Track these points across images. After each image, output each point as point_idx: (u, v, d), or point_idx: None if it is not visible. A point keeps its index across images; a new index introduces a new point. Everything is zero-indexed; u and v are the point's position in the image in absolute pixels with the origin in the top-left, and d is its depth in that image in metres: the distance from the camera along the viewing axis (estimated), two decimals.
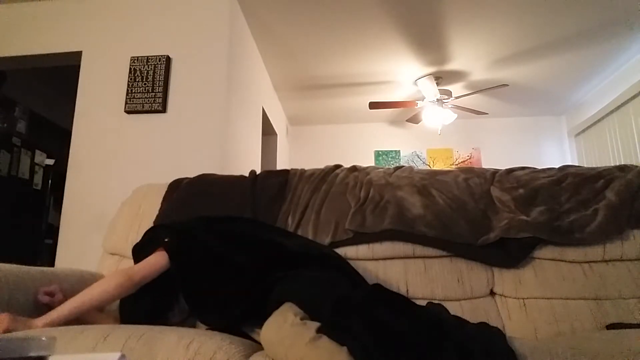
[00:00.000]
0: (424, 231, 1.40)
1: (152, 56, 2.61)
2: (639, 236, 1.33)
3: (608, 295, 1.28)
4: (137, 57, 2.62)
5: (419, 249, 1.41)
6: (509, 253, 1.35)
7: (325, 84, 4.30)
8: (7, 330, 0.96)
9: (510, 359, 0.83)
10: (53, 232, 3.14)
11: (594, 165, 1.75)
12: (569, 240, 1.33)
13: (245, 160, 3.01)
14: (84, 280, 1.34)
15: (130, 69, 2.61)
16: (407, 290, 1.36)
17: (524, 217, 1.37)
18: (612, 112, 4.13)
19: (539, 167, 1.62)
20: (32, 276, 1.20)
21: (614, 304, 1.27)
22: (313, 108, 5.00)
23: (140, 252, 1.27)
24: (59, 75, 3.41)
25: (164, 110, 2.57)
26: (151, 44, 2.68)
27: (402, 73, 4.06)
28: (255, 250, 1.25)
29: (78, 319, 1.08)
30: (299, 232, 1.49)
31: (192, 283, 1.16)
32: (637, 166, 1.50)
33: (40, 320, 1.03)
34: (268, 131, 4.26)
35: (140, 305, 1.21)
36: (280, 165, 4.65)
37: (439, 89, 4.06)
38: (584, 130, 4.71)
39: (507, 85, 3.95)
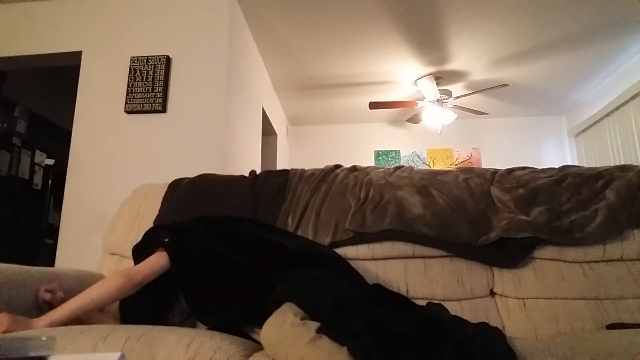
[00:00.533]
0: (424, 231, 1.40)
1: (152, 56, 2.61)
2: (639, 236, 1.33)
3: (608, 295, 1.28)
4: (137, 57, 2.62)
5: (419, 249, 1.41)
6: (509, 253, 1.35)
7: (325, 84, 4.30)
8: (7, 331, 0.96)
9: (510, 359, 0.83)
10: (53, 232, 3.13)
11: (594, 165, 1.75)
12: (569, 240, 1.33)
13: (245, 160, 3.01)
14: (84, 280, 1.34)
15: (130, 69, 2.61)
16: (407, 290, 1.36)
17: (524, 217, 1.37)
18: (612, 112, 4.13)
19: (539, 167, 1.62)
20: (32, 276, 1.20)
21: (614, 304, 1.27)
22: (313, 108, 5.00)
23: (140, 252, 1.27)
24: (59, 75, 3.41)
25: (164, 110, 2.57)
26: (151, 44, 2.68)
27: (402, 73, 4.06)
28: (255, 250, 1.25)
29: (78, 319, 1.08)
30: (299, 232, 1.49)
31: (192, 283, 1.16)
32: (637, 166, 1.50)
33: (41, 321, 1.03)
34: (268, 131, 4.26)
35: (141, 306, 1.21)
36: (280, 165, 4.64)
37: (439, 89, 4.06)
38: (584, 130, 4.71)
39: (507, 85, 3.95)
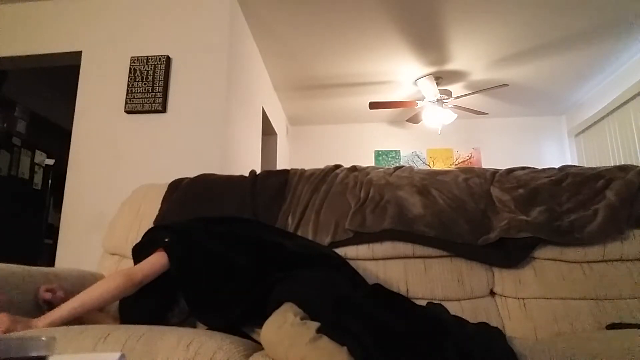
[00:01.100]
0: (424, 231, 1.40)
1: (152, 56, 2.61)
2: (639, 236, 1.33)
3: (608, 295, 1.28)
4: (137, 57, 2.62)
5: (419, 249, 1.41)
6: (509, 253, 1.35)
7: (325, 84, 4.30)
8: (7, 331, 0.96)
9: (510, 359, 0.83)
10: (53, 232, 3.13)
11: (594, 165, 1.75)
12: (568, 240, 1.33)
13: (245, 160, 3.01)
14: (84, 280, 1.34)
15: (130, 69, 2.61)
16: (407, 290, 1.36)
17: (524, 217, 1.37)
18: (612, 112, 4.13)
19: (539, 167, 1.62)
20: (32, 276, 1.20)
21: (614, 304, 1.27)
22: (313, 108, 5.00)
23: (140, 252, 1.27)
24: (59, 75, 3.41)
25: (164, 110, 2.57)
26: (151, 44, 2.68)
27: (402, 73, 4.06)
28: (255, 250, 1.25)
29: (78, 319, 1.08)
30: (299, 232, 1.49)
31: (191, 283, 1.16)
32: (637, 166, 1.50)
33: (41, 321, 1.03)
34: (268, 131, 4.26)
35: (140, 306, 1.21)
36: (280, 165, 4.65)
37: (439, 89, 4.06)
38: (584, 130, 4.71)
39: (507, 85, 3.95)
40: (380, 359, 0.77)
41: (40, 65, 2.99)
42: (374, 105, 4.23)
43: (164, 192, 1.65)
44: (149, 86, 2.58)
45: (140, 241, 1.30)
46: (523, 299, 1.32)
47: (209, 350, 0.81)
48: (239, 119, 2.89)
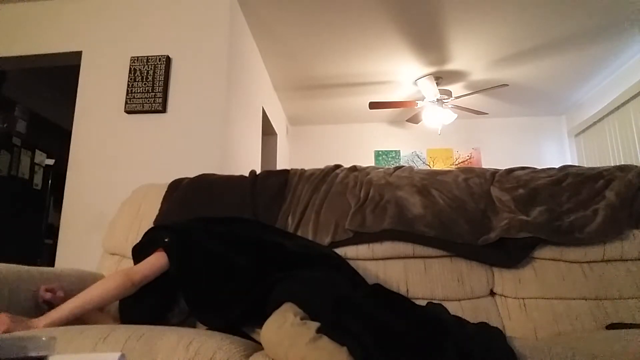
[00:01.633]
0: (424, 231, 1.40)
1: (152, 56, 2.61)
2: (639, 236, 1.33)
3: (608, 295, 1.28)
4: (137, 57, 2.62)
5: (419, 249, 1.41)
6: (509, 253, 1.35)
7: (325, 84, 4.30)
8: (7, 331, 0.96)
9: (510, 359, 0.83)
10: (53, 232, 3.13)
11: (594, 165, 1.75)
12: (569, 240, 1.33)
13: (245, 160, 3.01)
14: (84, 280, 1.34)
15: (130, 69, 2.61)
16: (407, 290, 1.36)
17: (524, 217, 1.37)
18: (612, 112, 4.13)
19: (539, 167, 1.62)
20: (32, 276, 1.20)
21: (614, 304, 1.27)
22: (313, 108, 5.00)
23: (140, 252, 1.27)
24: (59, 75, 3.41)
25: (164, 110, 2.57)
26: (151, 44, 2.68)
27: (402, 73, 4.06)
28: (255, 250, 1.25)
29: (78, 319, 1.08)
30: (299, 232, 1.49)
31: (191, 283, 1.16)
32: (637, 166, 1.50)
33: (41, 321, 1.03)
34: (268, 131, 4.26)
35: (140, 306, 1.21)
36: (280, 165, 4.65)
37: (439, 89, 4.06)
38: (584, 130, 4.71)
39: (507, 85, 3.95)
40: (380, 359, 0.77)
41: (40, 65, 2.99)
42: (374, 105, 4.23)
43: (164, 192, 1.65)
44: (149, 86, 2.58)
45: (140, 241, 1.30)
46: (523, 299, 1.32)
47: (209, 350, 0.81)
48: (239, 119, 2.89)
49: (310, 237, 1.46)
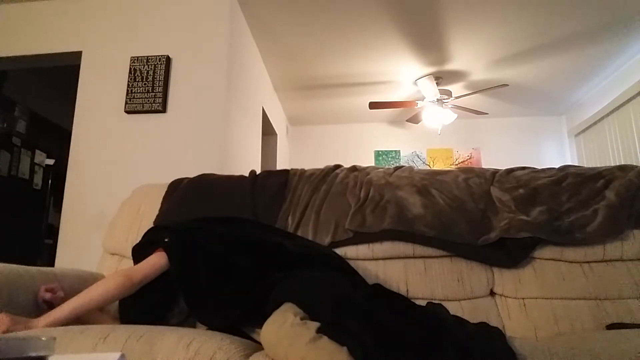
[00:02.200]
0: (424, 231, 1.40)
1: (152, 56, 2.61)
2: (639, 236, 1.33)
3: (608, 295, 1.28)
4: (137, 57, 2.62)
5: (419, 249, 1.41)
6: (509, 253, 1.35)
7: (325, 84, 4.30)
8: (7, 331, 0.96)
9: (510, 359, 0.83)
10: (53, 232, 3.14)
11: (594, 165, 1.75)
12: (569, 240, 1.33)
13: (245, 160, 3.01)
14: (84, 280, 1.34)
15: (130, 69, 2.61)
16: (407, 290, 1.36)
17: (524, 217, 1.37)
18: (612, 112, 4.13)
19: (539, 167, 1.62)
20: (32, 276, 1.20)
21: (614, 304, 1.27)
22: (313, 108, 5.00)
23: (140, 252, 1.27)
24: (59, 75, 3.41)
25: (164, 110, 2.57)
26: (151, 44, 2.68)
27: (402, 73, 4.06)
28: (255, 251, 1.25)
29: (78, 319, 1.08)
30: (299, 232, 1.49)
31: (191, 283, 1.16)
32: (637, 166, 1.50)
33: (41, 321, 1.03)
34: (268, 131, 4.26)
35: (140, 306, 1.21)
36: (280, 165, 4.65)
37: (439, 89, 4.06)
38: (584, 130, 4.71)
39: (507, 85, 3.95)
40: (381, 359, 0.77)
41: (40, 65, 2.99)
42: (374, 105, 4.23)
43: (164, 192, 1.65)
44: (149, 86, 2.58)
45: (140, 241, 1.30)
46: (523, 299, 1.32)
47: (209, 350, 0.81)
48: (239, 119, 2.89)
49: (310, 237, 1.46)
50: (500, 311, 1.32)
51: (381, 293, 1.21)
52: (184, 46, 2.66)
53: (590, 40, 3.41)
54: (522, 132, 5.25)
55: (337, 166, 1.71)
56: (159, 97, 2.55)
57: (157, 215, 1.57)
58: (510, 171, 1.61)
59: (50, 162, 3.73)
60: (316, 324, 0.81)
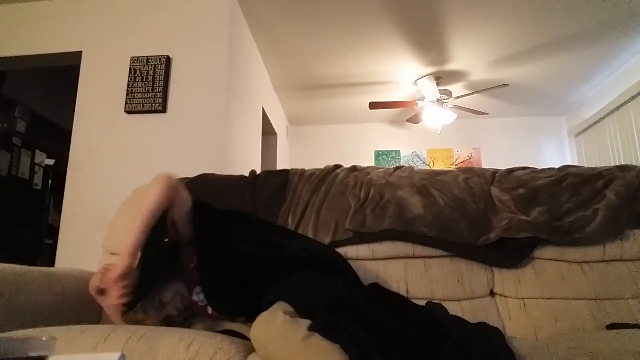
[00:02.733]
0: (424, 231, 1.40)
1: (152, 56, 2.61)
2: (639, 236, 1.33)
3: (608, 295, 1.28)
4: (137, 57, 2.62)
5: (419, 249, 1.41)
6: (509, 253, 1.35)
7: (325, 84, 4.30)
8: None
9: (510, 359, 0.83)
10: (53, 232, 3.14)
11: (594, 165, 1.75)
12: (569, 240, 1.33)
13: (245, 160, 3.01)
14: (84, 280, 1.34)
15: (130, 69, 2.60)
16: (407, 290, 1.36)
17: (524, 217, 1.37)
18: (612, 112, 4.13)
19: (539, 167, 1.62)
20: (32, 276, 1.20)
21: (614, 304, 1.27)
22: (313, 108, 5.00)
23: None
24: (59, 75, 3.41)
25: (164, 110, 2.57)
26: (151, 44, 2.68)
27: (402, 73, 4.06)
28: (255, 252, 1.25)
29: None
30: (299, 232, 1.49)
31: (209, 250, 1.17)
32: (637, 166, 1.50)
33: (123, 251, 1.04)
34: (268, 131, 4.26)
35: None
36: (280, 165, 4.64)
37: (439, 89, 4.06)
38: (584, 130, 4.71)
39: (507, 85, 3.94)
40: (379, 358, 0.76)
41: (40, 65, 2.99)
42: (374, 105, 4.23)
43: None
44: (149, 86, 2.57)
45: None
46: (523, 299, 1.32)
47: (209, 350, 0.81)
48: (239, 119, 2.89)
49: (310, 237, 1.45)
50: (500, 311, 1.32)
51: (380, 293, 1.21)
52: (184, 46, 2.66)
53: (590, 40, 3.41)
54: (522, 132, 5.25)
55: (337, 166, 1.71)
56: (159, 97, 2.55)
57: None
58: (510, 171, 1.61)
59: (50, 162, 3.73)
60: (307, 322, 0.81)
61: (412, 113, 4.76)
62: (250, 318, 1.04)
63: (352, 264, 1.38)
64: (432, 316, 1.04)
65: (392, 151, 5.41)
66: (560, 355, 0.83)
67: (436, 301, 1.29)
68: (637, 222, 1.35)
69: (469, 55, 3.70)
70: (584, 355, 0.83)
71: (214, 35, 2.66)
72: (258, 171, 1.74)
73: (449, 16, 3.07)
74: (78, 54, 2.75)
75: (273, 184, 1.61)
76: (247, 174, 1.69)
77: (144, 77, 2.59)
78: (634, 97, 3.78)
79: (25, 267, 1.22)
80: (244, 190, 1.58)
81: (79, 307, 1.30)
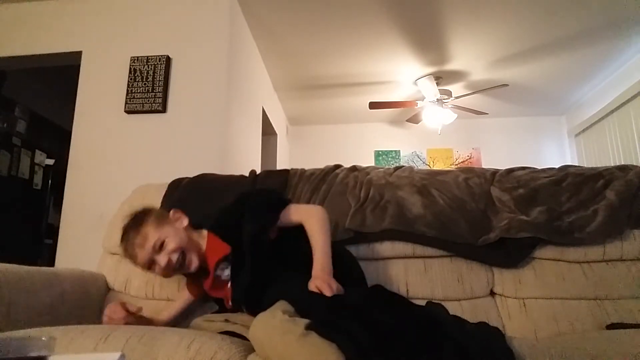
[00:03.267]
0: (424, 231, 1.40)
1: (152, 56, 2.61)
2: (639, 236, 1.33)
3: (608, 295, 1.28)
4: (137, 57, 2.62)
5: (419, 249, 1.41)
6: (509, 253, 1.35)
7: (325, 84, 4.30)
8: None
9: (509, 359, 0.83)
10: (53, 232, 3.13)
11: (594, 165, 1.75)
12: (569, 240, 1.33)
13: (245, 160, 3.01)
14: (84, 280, 1.34)
15: (130, 69, 2.60)
16: (407, 290, 1.36)
17: (524, 217, 1.37)
18: (612, 112, 4.13)
19: (539, 167, 1.62)
20: (32, 276, 1.20)
21: (614, 304, 1.27)
22: (313, 108, 5.00)
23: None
24: (59, 75, 3.41)
25: (164, 110, 2.57)
26: (151, 44, 2.68)
27: (402, 73, 4.06)
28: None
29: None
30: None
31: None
32: (637, 166, 1.50)
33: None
34: (268, 131, 4.26)
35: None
36: (280, 165, 4.65)
37: (439, 89, 4.06)
38: (584, 130, 4.71)
39: (507, 85, 3.95)
40: (378, 358, 0.76)
41: (40, 65, 2.99)
42: (374, 105, 4.23)
43: (164, 192, 1.65)
44: (149, 86, 2.57)
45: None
46: (523, 299, 1.32)
47: (209, 350, 0.81)
48: (239, 119, 2.89)
49: None
50: (500, 311, 1.32)
51: (379, 293, 1.21)
52: (184, 46, 2.66)
53: (590, 40, 3.41)
54: (522, 132, 5.25)
55: (337, 166, 1.71)
56: (159, 97, 2.55)
57: None
58: (510, 171, 1.61)
59: (50, 162, 3.73)
60: (305, 321, 0.81)
61: (412, 113, 4.76)
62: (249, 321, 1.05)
63: None
64: (432, 316, 1.03)
65: (392, 151, 5.41)
66: (560, 355, 0.83)
67: (436, 301, 1.28)
68: (637, 222, 1.35)
69: (469, 55, 3.70)
70: (584, 355, 0.83)
71: (213, 35, 2.66)
72: (258, 171, 1.74)
73: (449, 16, 3.07)
74: (78, 54, 2.75)
75: (273, 184, 1.61)
76: (247, 174, 1.69)
77: (144, 77, 2.59)
78: (634, 97, 3.78)
79: (25, 267, 1.22)
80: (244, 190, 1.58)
81: (79, 307, 1.30)
